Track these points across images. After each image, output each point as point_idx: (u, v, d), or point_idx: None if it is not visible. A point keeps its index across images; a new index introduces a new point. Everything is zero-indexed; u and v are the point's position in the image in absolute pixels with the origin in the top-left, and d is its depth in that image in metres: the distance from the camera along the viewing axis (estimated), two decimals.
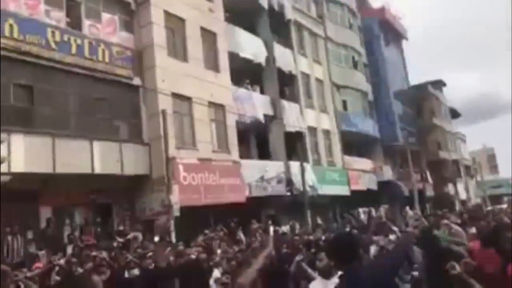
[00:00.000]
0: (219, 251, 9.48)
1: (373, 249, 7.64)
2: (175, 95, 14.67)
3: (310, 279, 4.39)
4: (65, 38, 12.22)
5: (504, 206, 17.22)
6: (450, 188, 37.24)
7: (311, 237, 9.83)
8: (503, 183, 53.71)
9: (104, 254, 7.88)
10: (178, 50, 15.47)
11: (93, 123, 12.80)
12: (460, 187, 39.72)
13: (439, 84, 41.14)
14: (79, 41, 12.53)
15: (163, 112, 13.19)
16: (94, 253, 8.07)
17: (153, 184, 13.61)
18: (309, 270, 4.50)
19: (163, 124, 13.07)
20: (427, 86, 38.18)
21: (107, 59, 13.21)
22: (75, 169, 11.68)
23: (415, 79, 36.98)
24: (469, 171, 45.48)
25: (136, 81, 14.10)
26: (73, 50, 12.35)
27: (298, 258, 4.71)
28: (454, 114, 44.69)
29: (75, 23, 13.04)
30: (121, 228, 12.52)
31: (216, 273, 7.33)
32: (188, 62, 15.59)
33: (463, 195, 39.50)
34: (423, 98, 37.20)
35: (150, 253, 8.24)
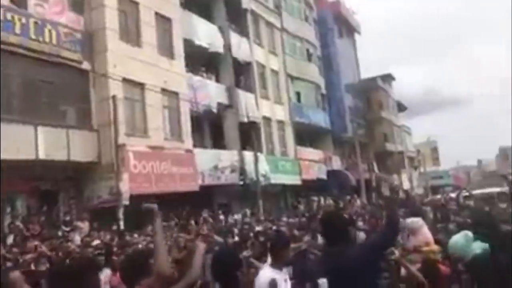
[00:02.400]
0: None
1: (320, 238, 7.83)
2: (127, 81, 14.29)
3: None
4: (8, 16, 11.53)
5: (439, 196, 18.53)
6: (394, 178, 39.00)
7: (260, 227, 9.96)
8: (444, 174, 57.01)
9: (44, 247, 7.60)
10: (131, 34, 15.03)
11: (38, 108, 12.22)
12: (404, 177, 41.69)
13: (388, 78, 42.67)
14: (23, 20, 11.86)
15: (113, 98, 12.86)
16: (35, 243, 7.80)
17: (102, 172, 13.26)
18: (256, 263, 4.59)
19: (113, 110, 12.76)
20: (376, 79, 39.50)
21: (54, 41, 12.61)
22: (17, 155, 11.15)
23: (365, 73, 37.87)
24: (413, 163, 47.78)
25: (86, 65, 13.58)
26: (17, 29, 11.68)
27: (245, 254, 4.74)
28: (401, 107, 46.63)
29: (19, 1, 12.29)
30: (67, 217, 12.14)
31: None
32: (142, 47, 15.20)
33: (406, 185, 41.48)
34: (372, 91, 38.49)
35: (96, 242, 8.06)
